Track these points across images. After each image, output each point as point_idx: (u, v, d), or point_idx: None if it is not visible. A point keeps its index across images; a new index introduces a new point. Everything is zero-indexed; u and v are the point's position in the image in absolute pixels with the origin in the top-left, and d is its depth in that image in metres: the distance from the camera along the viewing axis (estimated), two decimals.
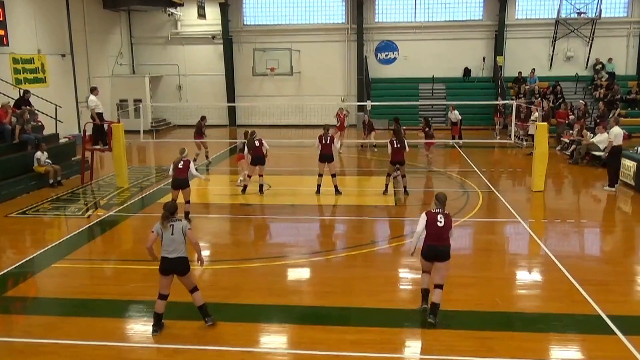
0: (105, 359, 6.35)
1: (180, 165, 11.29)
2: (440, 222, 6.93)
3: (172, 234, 6.66)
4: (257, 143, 13.63)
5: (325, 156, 13.50)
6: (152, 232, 6.82)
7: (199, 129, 17.67)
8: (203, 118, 17.92)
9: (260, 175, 13.92)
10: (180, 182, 11.37)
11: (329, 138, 13.55)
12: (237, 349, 6.49)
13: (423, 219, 7.02)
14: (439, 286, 6.93)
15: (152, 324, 6.87)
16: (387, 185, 13.60)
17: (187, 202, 11.44)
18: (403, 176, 13.72)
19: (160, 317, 6.89)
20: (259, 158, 13.64)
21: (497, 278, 8.64)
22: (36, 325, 7.16)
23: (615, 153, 14.02)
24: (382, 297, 7.83)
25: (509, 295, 8.03)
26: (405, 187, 13.72)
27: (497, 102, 24.63)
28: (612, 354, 6.31)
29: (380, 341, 6.60)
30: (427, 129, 17.11)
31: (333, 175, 13.69)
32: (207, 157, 18.17)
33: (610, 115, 20.58)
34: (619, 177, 14.17)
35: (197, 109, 27.57)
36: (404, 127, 16.85)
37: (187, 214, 11.34)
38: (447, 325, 6.95)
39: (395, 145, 13.36)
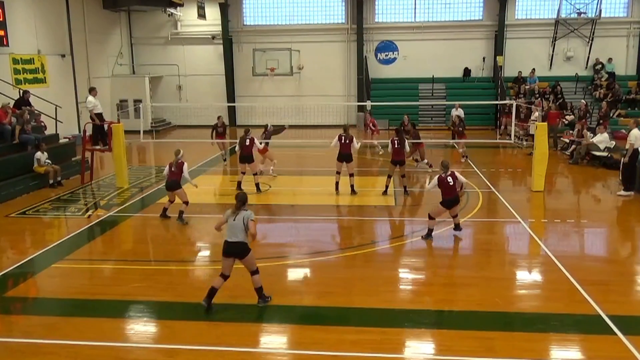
0: (105, 359, 6.35)
1: (173, 168, 11.30)
2: (450, 181, 9.91)
3: (234, 220, 7.12)
4: (247, 142, 13.92)
5: (345, 155, 13.58)
6: (222, 216, 7.41)
7: (217, 128, 17.60)
8: (219, 118, 17.94)
9: (255, 174, 13.99)
10: (172, 184, 11.37)
11: (348, 138, 13.60)
12: (237, 349, 6.48)
13: (435, 181, 10.07)
14: (457, 215, 10.37)
15: (205, 296, 7.36)
16: (387, 187, 13.61)
17: (185, 202, 11.40)
18: (403, 176, 13.72)
19: (214, 292, 7.36)
20: (245, 157, 13.86)
21: (497, 278, 8.63)
22: (36, 325, 7.16)
23: (636, 156, 13.34)
24: (382, 297, 7.83)
25: (509, 295, 8.02)
26: (405, 187, 13.72)
27: (497, 102, 24.68)
28: (612, 354, 6.30)
29: (380, 341, 6.60)
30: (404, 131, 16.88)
31: (351, 175, 13.80)
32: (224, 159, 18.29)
33: (614, 117, 20.38)
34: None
35: (197, 109, 27.68)
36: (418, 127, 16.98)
37: (181, 213, 11.34)
38: (447, 325, 6.96)
39: (396, 145, 13.37)
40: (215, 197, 14.40)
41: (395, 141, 13.41)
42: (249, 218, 7.13)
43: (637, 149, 13.36)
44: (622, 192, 13.40)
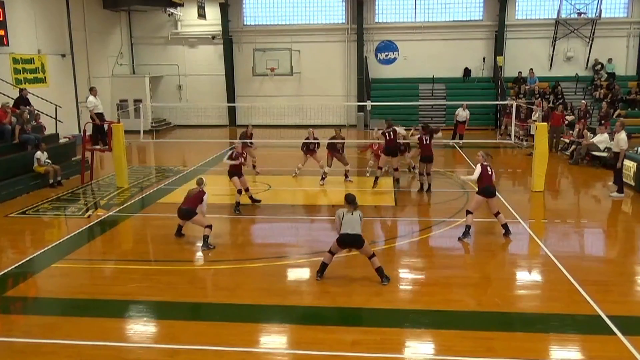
0: (105, 359, 6.35)
1: (190, 196, 10.17)
2: (490, 171, 10.36)
3: (352, 214, 8.19)
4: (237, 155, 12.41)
5: (391, 150, 13.91)
6: (336, 217, 8.35)
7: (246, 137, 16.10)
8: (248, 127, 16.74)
9: (246, 190, 12.68)
10: (185, 212, 10.06)
11: (389, 133, 13.87)
12: (237, 349, 6.48)
13: (478, 169, 10.35)
14: (499, 213, 10.46)
15: (317, 270, 8.44)
16: (422, 184, 13.92)
17: (208, 227, 9.99)
18: (428, 174, 13.86)
19: (326, 267, 8.45)
20: (234, 172, 12.46)
21: (497, 278, 8.64)
22: (36, 325, 7.16)
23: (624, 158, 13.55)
24: (382, 297, 7.83)
25: (509, 296, 8.02)
26: (430, 185, 13.90)
27: (497, 102, 24.67)
28: (612, 354, 6.31)
29: (380, 341, 6.60)
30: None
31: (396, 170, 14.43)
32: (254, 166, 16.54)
33: (614, 117, 20.32)
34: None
35: (197, 109, 27.70)
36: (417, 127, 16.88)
37: (205, 238, 9.91)
38: (447, 325, 6.96)
39: (424, 142, 13.61)
40: (215, 198, 14.36)
41: (425, 138, 13.56)
42: (362, 215, 8.35)
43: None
44: (616, 194, 13.48)
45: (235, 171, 12.41)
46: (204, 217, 10.15)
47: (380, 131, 14.25)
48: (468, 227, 10.31)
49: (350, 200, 8.32)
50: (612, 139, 17.90)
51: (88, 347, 6.54)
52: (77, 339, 6.70)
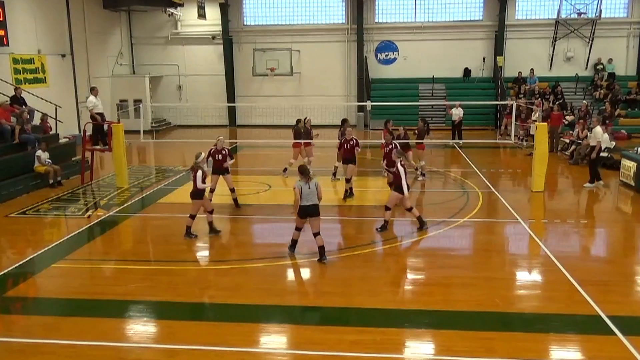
0: (105, 359, 6.35)
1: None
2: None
3: (309, 186, 8.87)
4: (219, 156, 12.49)
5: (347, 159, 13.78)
6: (295, 188, 8.92)
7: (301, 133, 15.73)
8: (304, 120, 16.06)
9: (232, 190, 12.62)
10: (192, 193, 10.37)
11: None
12: (237, 349, 6.48)
13: (402, 169, 10.27)
14: (412, 208, 10.82)
15: (289, 246, 9.42)
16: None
17: (192, 217, 10.45)
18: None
19: (296, 243, 9.40)
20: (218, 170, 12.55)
21: (497, 278, 8.63)
22: (36, 325, 7.16)
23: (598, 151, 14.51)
24: (382, 297, 7.83)
25: (509, 296, 8.03)
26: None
27: (497, 103, 24.67)
28: (612, 355, 6.30)
29: (380, 341, 6.60)
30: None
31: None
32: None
33: (599, 114, 20.26)
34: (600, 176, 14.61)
35: (197, 109, 27.70)
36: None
37: (210, 224, 10.66)
38: (447, 326, 6.96)
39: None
40: (215, 197, 14.35)
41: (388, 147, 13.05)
42: (318, 184, 8.99)
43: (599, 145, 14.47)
44: (588, 184, 14.35)
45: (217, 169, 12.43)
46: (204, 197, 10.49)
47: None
48: (386, 222, 10.71)
49: (303, 171, 8.97)
50: (612, 138, 18.01)
51: (88, 347, 6.54)
52: (76, 339, 6.70)
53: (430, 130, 16.19)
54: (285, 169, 15.74)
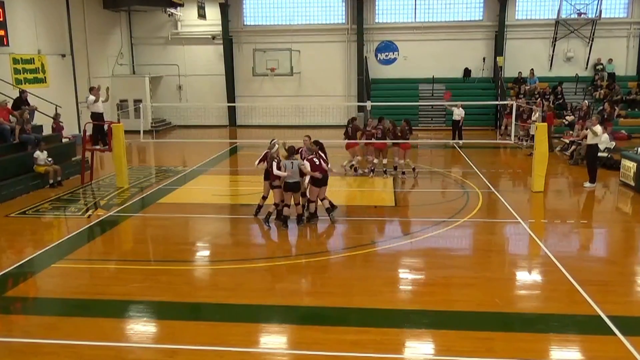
0: (105, 359, 6.35)
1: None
2: (318, 162, 10.82)
3: (292, 166, 10.36)
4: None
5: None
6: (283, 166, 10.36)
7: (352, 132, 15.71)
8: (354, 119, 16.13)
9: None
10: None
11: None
12: (237, 349, 6.48)
13: (307, 163, 10.76)
14: (325, 198, 11.35)
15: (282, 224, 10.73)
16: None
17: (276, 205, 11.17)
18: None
19: (287, 218, 10.79)
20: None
21: (497, 278, 8.63)
22: (36, 325, 7.16)
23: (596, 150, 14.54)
24: (382, 298, 7.83)
25: (509, 296, 8.03)
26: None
27: (497, 103, 24.67)
28: (612, 355, 6.30)
29: (380, 341, 6.60)
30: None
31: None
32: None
33: (599, 112, 20.21)
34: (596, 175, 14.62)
35: (197, 109, 27.70)
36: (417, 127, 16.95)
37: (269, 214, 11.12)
38: (447, 326, 6.96)
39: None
40: (215, 197, 14.37)
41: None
42: (300, 164, 10.37)
43: (597, 144, 14.47)
44: (588, 184, 14.28)
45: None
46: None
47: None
48: (312, 214, 11.21)
49: (291, 152, 10.64)
50: (612, 138, 17.98)
51: (88, 347, 6.54)
52: (76, 339, 6.70)
53: (412, 130, 16.06)
54: (356, 169, 15.93)
